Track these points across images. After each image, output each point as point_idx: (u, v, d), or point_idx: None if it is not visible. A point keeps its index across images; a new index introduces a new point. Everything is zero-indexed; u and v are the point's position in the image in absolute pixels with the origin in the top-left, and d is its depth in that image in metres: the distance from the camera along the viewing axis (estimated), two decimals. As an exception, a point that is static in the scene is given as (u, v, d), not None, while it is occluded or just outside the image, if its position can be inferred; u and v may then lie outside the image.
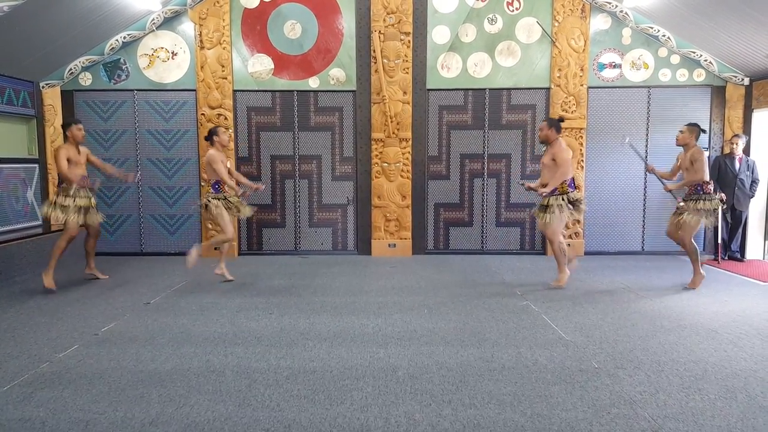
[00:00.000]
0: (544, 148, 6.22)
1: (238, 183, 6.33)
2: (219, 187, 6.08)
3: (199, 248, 6.05)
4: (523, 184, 6.23)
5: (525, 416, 2.99)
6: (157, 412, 3.06)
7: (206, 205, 6.08)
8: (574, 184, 5.86)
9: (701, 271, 5.92)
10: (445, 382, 3.43)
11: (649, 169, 6.25)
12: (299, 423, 2.93)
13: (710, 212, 5.69)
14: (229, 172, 6.28)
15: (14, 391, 3.34)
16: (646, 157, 7.79)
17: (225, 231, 6.04)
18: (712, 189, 5.75)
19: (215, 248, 6.49)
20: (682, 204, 5.81)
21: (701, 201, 5.69)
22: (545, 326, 4.59)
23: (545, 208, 5.81)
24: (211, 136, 6.17)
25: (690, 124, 5.84)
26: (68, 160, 5.89)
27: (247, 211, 6.34)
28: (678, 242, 5.96)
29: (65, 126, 6.08)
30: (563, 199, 5.73)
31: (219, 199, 6.06)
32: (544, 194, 5.79)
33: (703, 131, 5.85)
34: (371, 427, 2.89)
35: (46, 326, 4.63)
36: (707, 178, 5.72)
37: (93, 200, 6.18)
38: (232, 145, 7.74)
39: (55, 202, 5.90)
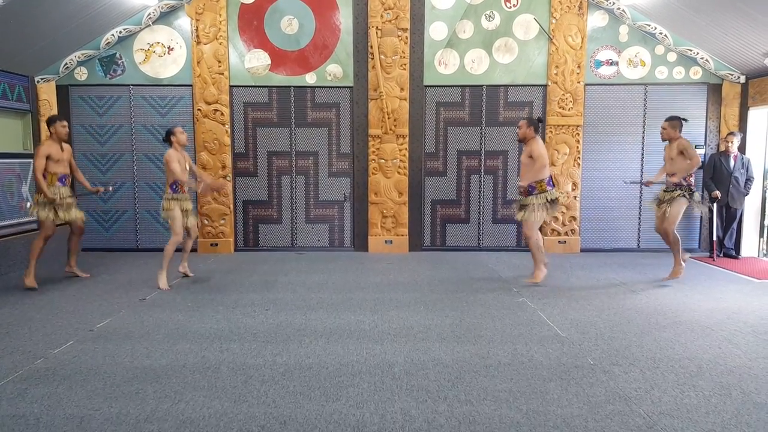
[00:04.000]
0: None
1: (197, 181, 6.22)
2: (176, 187, 5.93)
3: (162, 270, 5.82)
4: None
5: (521, 412, 2.99)
6: (153, 408, 3.06)
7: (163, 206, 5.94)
8: (552, 182, 5.99)
9: (682, 262, 6.02)
10: (441, 379, 3.43)
11: (647, 184, 6.34)
12: (295, 419, 2.93)
13: (692, 197, 5.87)
14: (191, 171, 6.17)
15: (8, 388, 3.33)
16: (643, 155, 7.85)
17: (174, 231, 5.88)
18: (693, 180, 5.94)
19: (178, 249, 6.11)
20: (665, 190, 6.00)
21: (688, 194, 5.87)
22: (541, 323, 4.60)
23: (524, 207, 5.94)
24: (168, 136, 6.00)
25: (670, 118, 5.98)
26: (49, 157, 5.83)
27: (192, 221, 6.14)
28: (663, 236, 6.07)
29: (49, 122, 5.99)
30: (543, 198, 5.83)
31: (175, 200, 5.92)
32: (520, 187, 5.98)
33: (685, 120, 5.95)
34: (367, 423, 2.89)
35: (41, 322, 4.62)
36: (700, 161, 5.88)
37: (73, 198, 6.11)
38: (230, 141, 7.72)
39: (38, 201, 5.85)
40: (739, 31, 6.68)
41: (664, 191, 6.02)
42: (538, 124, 5.98)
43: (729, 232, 7.57)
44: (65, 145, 6.09)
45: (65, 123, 6.03)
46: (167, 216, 5.92)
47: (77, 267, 6.36)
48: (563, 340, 4.16)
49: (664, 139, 6.02)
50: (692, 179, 5.92)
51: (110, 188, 6.75)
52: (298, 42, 7.75)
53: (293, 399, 3.17)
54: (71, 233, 6.28)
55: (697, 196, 5.94)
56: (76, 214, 6.11)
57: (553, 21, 7.63)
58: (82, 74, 7.69)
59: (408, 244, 7.99)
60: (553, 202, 5.89)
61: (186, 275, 6.30)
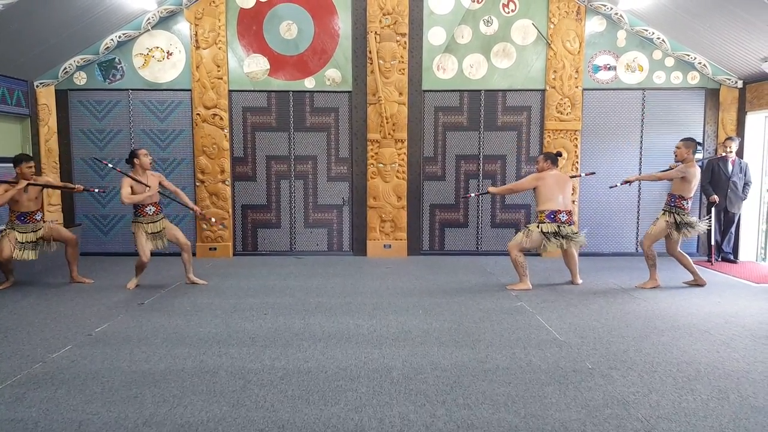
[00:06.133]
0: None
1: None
2: (137, 211, 5.91)
3: (133, 278, 6.07)
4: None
5: (519, 416, 2.99)
6: (151, 412, 3.06)
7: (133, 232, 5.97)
8: (554, 216, 5.84)
9: (657, 278, 6.03)
10: (439, 383, 3.44)
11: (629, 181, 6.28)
12: (293, 423, 2.93)
13: (677, 225, 5.83)
14: (173, 192, 6.18)
15: (7, 392, 3.33)
16: (641, 159, 7.88)
17: (140, 254, 5.89)
18: (687, 206, 5.84)
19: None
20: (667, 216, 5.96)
21: (670, 214, 5.87)
22: (539, 327, 4.61)
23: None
24: (131, 157, 5.81)
25: (686, 139, 5.84)
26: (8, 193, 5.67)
27: (159, 245, 6.10)
28: (674, 257, 6.09)
29: (15, 162, 5.78)
30: (538, 228, 5.87)
31: (138, 224, 5.91)
32: (490, 192, 6.33)
33: (700, 144, 5.91)
34: (365, 427, 2.89)
35: (40, 326, 4.61)
36: (689, 195, 5.83)
37: (41, 232, 6.01)
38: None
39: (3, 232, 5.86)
40: (737, 36, 6.72)
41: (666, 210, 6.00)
42: (556, 158, 6.03)
43: (727, 236, 7.59)
44: (38, 178, 5.99)
45: (31, 164, 5.82)
46: (134, 238, 5.95)
47: (80, 275, 6.29)
48: (561, 344, 4.17)
49: (677, 160, 5.89)
50: (684, 203, 5.80)
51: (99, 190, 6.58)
52: (297, 47, 7.77)
53: (292, 403, 3.17)
54: (66, 246, 6.23)
55: (688, 219, 5.82)
56: (62, 235, 6.14)
57: (551, 26, 7.66)
58: (81, 79, 7.71)
59: (407, 249, 7.99)
60: (558, 236, 5.78)
61: (194, 283, 6.20)
